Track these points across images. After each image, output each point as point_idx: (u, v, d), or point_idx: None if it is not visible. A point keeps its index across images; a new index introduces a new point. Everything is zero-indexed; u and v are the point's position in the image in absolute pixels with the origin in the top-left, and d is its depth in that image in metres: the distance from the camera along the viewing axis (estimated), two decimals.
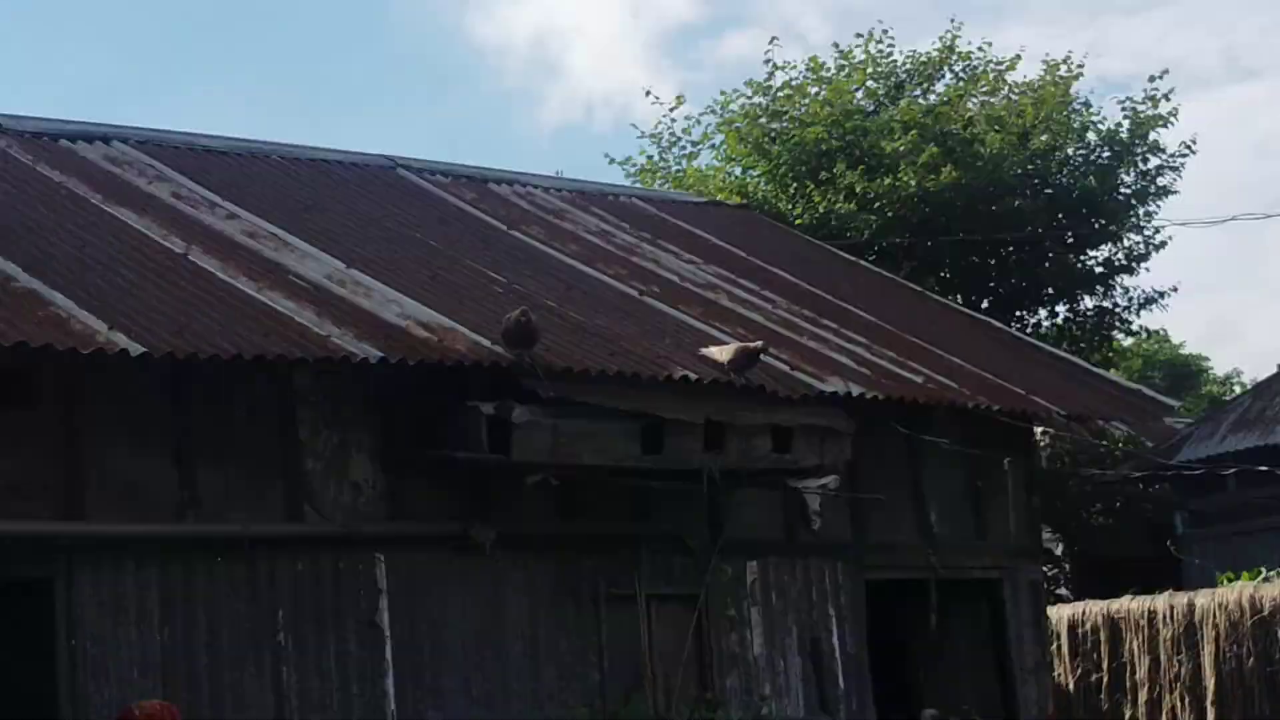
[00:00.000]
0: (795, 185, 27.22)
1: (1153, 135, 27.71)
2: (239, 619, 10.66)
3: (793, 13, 66.46)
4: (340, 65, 65.74)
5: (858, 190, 26.01)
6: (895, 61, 28.62)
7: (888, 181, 25.84)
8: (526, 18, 67.89)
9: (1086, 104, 27.96)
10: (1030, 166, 26.64)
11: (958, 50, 28.62)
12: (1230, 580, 17.14)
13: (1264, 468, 17.21)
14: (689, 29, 69.57)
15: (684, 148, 30.40)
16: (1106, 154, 27.52)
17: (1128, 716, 16.91)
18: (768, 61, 28.68)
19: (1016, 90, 28.03)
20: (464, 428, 11.23)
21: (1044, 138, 26.97)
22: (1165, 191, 27.94)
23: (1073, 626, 17.56)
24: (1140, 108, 27.78)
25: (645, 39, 69.73)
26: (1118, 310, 28.70)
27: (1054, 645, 17.43)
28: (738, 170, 28.79)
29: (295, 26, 65.31)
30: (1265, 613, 15.74)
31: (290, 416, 11.14)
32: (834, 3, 68.80)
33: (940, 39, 28.77)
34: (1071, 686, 17.44)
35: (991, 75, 28.36)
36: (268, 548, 10.82)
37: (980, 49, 28.63)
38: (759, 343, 12.60)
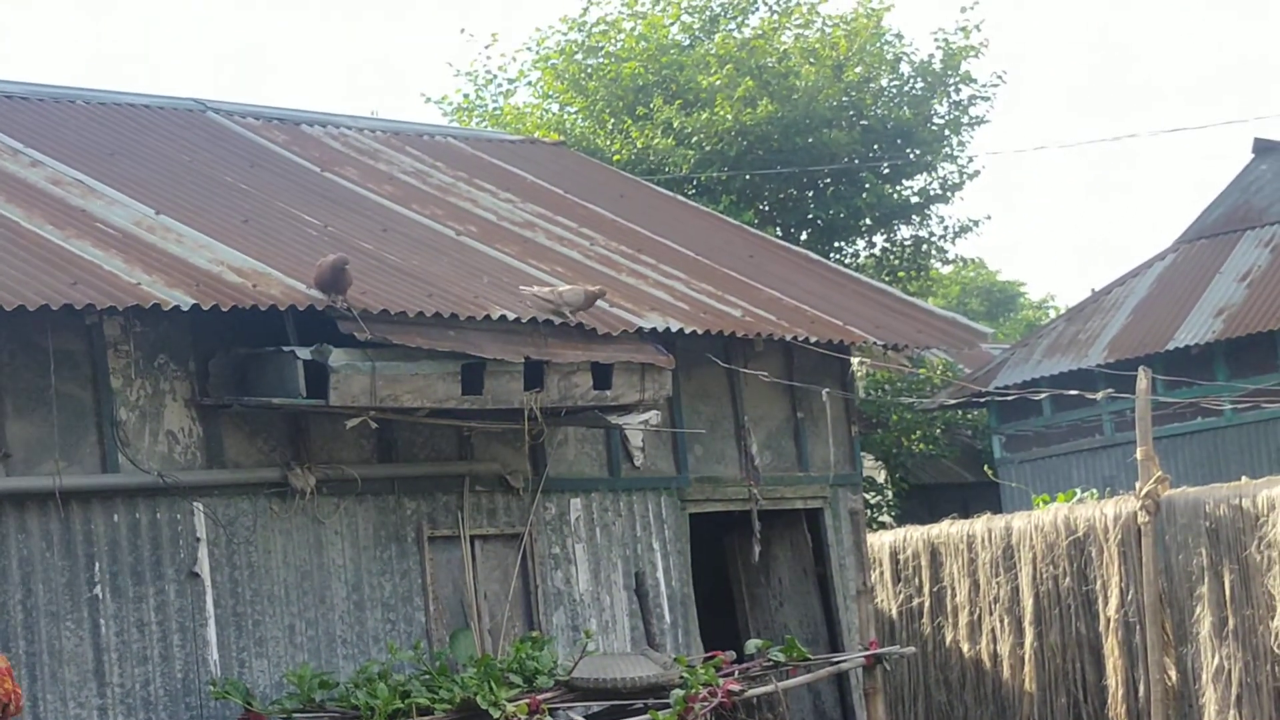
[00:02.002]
0: (612, 121, 27.24)
1: (964, 66, 28.06)
2: (54, 573, 10.50)
3: None
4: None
5: (675, 125, 26.07)
6: None
7: (704, 116, 25.93)
8: None
9: (899, 35, 28.25)
10: (845, 98, 26.86)
11: None
12: (1046, 502, 17.44)
13: (1075, 391, 17.51)
14: None
15: (501, 86, 30.30)
16: (920, 85, 27.82)
17: (949, 639, 17.19)
18: None
19: (830, 23, 28.23)
20: (280, 373, 11.11)
21: (858, 69, 27.19)
22: (978, 121, 28.34)
23: (894, 552, 17.77)
24: (952, 39, 28.11)
25: None
26: (934, 239, 29.08)
27: (876, 572, 17.67)
28: (555, 107, 28.74)
29: None
30: (1080, 533, 16.02)
31: (102, 366, 10.95)
32: None
33: None
34: (894, 612, 17.69)
35: (805, 8, 28.51)
36: (82, 500, 10.66)
37: None
38: (598, 287, 12.61)
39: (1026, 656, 16.47)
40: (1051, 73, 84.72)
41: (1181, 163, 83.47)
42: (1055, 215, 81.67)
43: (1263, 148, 25.65)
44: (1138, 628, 15.36)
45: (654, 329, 12.98)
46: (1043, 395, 19.23)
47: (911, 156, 27.54)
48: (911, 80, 27.88)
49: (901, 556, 17.73)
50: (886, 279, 27.25)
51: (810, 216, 27.28)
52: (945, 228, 28.95)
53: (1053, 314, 47.83)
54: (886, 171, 27.43)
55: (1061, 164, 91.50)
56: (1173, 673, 15.02)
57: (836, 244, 27.89)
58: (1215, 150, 79.98)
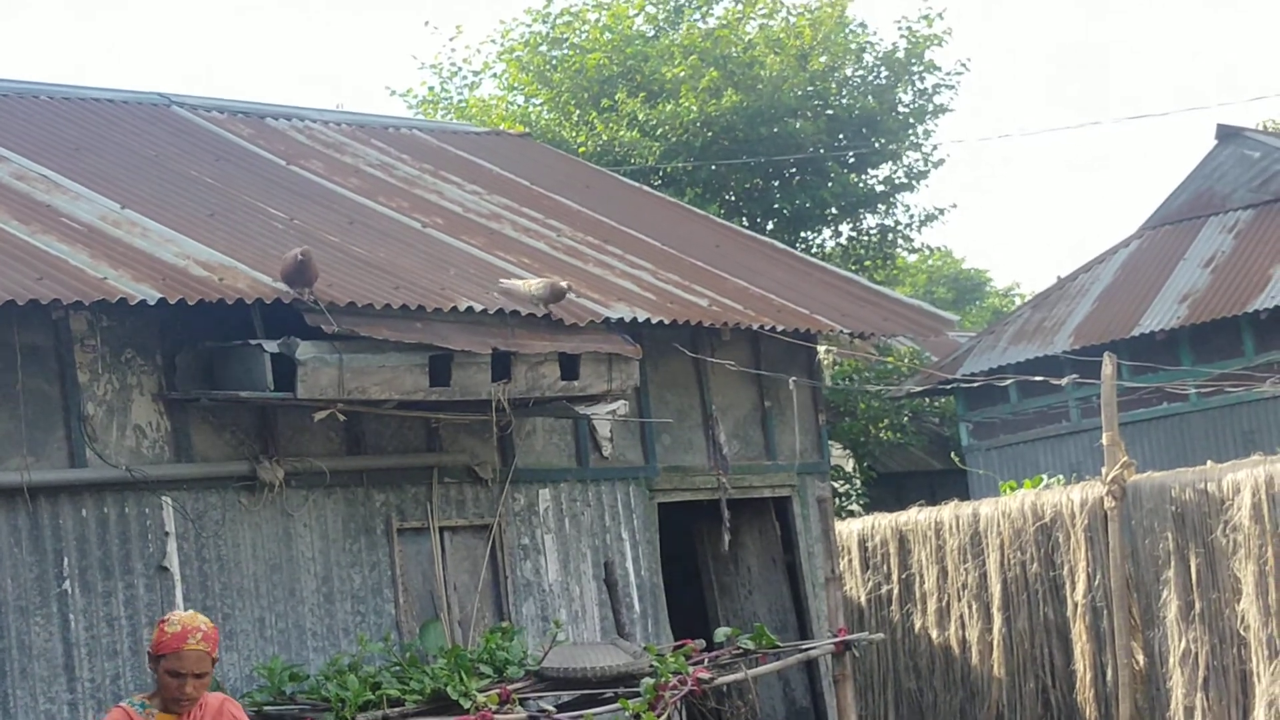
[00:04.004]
0: (578, 113, 27.25)
1: (928, 54, 28.14)
2: (23, 568, 10.49)
3: None
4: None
5: (640, 117, 26.10)
6: None
7: (669, 107, 25.96)
8: None
9: (863, 25, 28.32)
10: (810, 88, 26.93)
11: None
12: (1012, 489, 17.51)
13: (1041, 378, 17.58)
14: None
15: (465, 78, 30.30)
16: (884, 74, 27.90)
17: (918, 626, 17.25)
18: None
19: (794, 12, 28.29)
20: (248, 367, 11.11)
21: (823, 59, 27.26)
22: (942, 110, 28.43)
23: (863, 540, 17.83)
24: (915, 27, 28.18)
25: None
26: (900, 228, 29.16)
27: (845, 559, 17.74)
28: (520, 99, 28.75)
29: None
30: (1046, 519, 16.09)
31: (69, 361, 10.94)
32: None
33: None
34: (863, 599, 17.75)
35: None
36: (50, 495, 10.65)
37: None
38: (565, 283, 12.63)
39: (995, 642, 16.55)
40: (1015, 61, 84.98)
41: (1146, 150, 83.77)
42: (1020, 203, 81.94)
43: (1226, 134, 25.75)
44: (1105, 612, 15.45)
45: (621, 319, 13.00)
46: (1009, 382, 19.29)
47: (877, 145, 27.61)
48: (876, 69, 27.96)
49: (870, 544, 17.79)
50: (853, 268, 27.32)
51: (776, 206, 27.34)
52: (911, 216, 29.05)
53: (1018, 301, 47.98)
54: (852, 161, 27.51)
55: (1026, 152, 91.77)
56: (1140, 656, 15.11)
57: (803, 233, 27.96)
58: (1179, 137, 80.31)
